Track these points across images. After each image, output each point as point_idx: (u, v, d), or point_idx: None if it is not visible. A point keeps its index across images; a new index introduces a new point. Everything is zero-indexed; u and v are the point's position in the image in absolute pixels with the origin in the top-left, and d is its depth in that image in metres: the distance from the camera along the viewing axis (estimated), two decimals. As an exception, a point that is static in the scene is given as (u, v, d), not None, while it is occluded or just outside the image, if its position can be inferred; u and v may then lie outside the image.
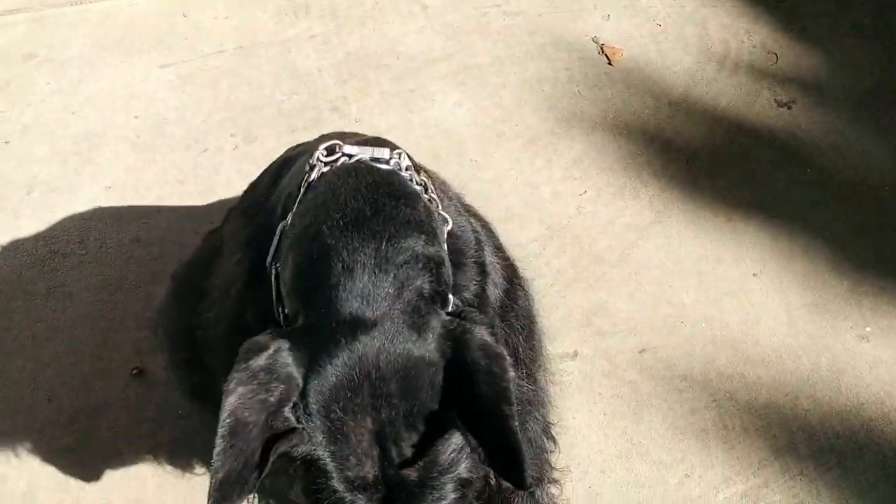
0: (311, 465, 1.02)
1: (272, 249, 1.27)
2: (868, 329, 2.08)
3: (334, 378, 1.00)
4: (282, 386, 1.01)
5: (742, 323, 2.10)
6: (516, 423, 0.94)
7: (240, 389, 0.98)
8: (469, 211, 1.46)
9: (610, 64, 2.64)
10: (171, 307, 1.73)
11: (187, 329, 1.64)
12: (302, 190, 1.23)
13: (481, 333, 1.02)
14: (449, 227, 1.25)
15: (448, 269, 1.18)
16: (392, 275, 1.07)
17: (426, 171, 1.34)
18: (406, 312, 1.05)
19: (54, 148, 2.44)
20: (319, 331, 1.04)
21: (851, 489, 1.85)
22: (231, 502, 0.93)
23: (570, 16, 2.77)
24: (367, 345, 1.01)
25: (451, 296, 1.21)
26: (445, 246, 1.23)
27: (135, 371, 1.98)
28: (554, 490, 1.77)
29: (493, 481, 1.65)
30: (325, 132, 1.61)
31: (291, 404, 1.01)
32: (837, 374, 2.01)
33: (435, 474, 1.02)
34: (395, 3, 2.83)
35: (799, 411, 1.96)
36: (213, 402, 1.71)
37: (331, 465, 1.01)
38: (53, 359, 2.01)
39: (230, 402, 0.97)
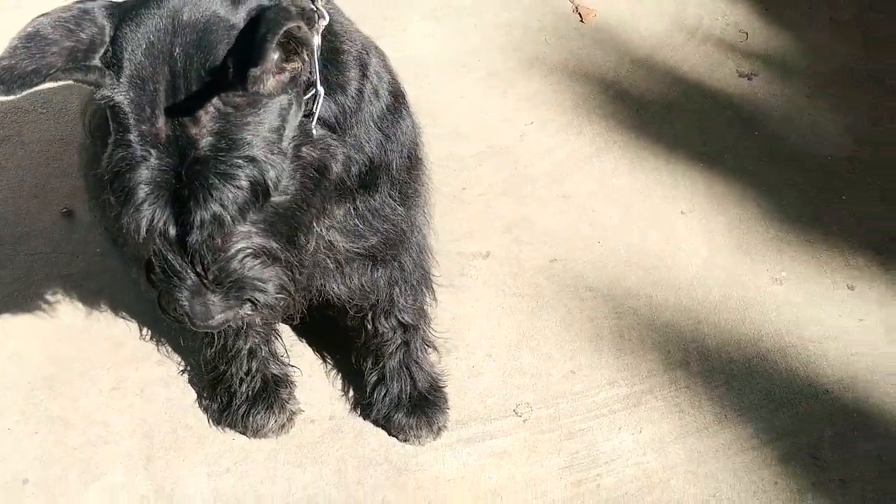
0: (112, 118, 1.09)
1: None
2: (784, 273, 2.08)
3: (142, 26, 1.08)
4: (94, 28, 1.08)
5: (660, 252, 2.11)
6: (272, 36, 0.99)
7: (51, 16, 1.06)
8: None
9: (581, 21, 2.72)
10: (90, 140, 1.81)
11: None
12: None
13: (287, 12, 1.07)
14: (326, 22, 1.31)
15: None
16: None
17: None
18: None
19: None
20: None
21: (733, 407, 1.83)
22: (7, 87, 1.01)
23: (553, -23, 2.87)
24: (177, 2, 1.09)
25: (320, 88, 1.27)
26: (319, 39, 1.28)
27: (64, 210, 2.07)
28: (433, 357, 1.79)
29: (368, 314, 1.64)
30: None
31: (102, 52, 1.09)
32: (744, 308, 2.00)
33: (223, 146, 1.07)
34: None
35: (698, 334, 1.96)
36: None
37: (129, 115, 1.07)
38: (-8, 190, 2.11)
39: (37, 19, 1.05)
